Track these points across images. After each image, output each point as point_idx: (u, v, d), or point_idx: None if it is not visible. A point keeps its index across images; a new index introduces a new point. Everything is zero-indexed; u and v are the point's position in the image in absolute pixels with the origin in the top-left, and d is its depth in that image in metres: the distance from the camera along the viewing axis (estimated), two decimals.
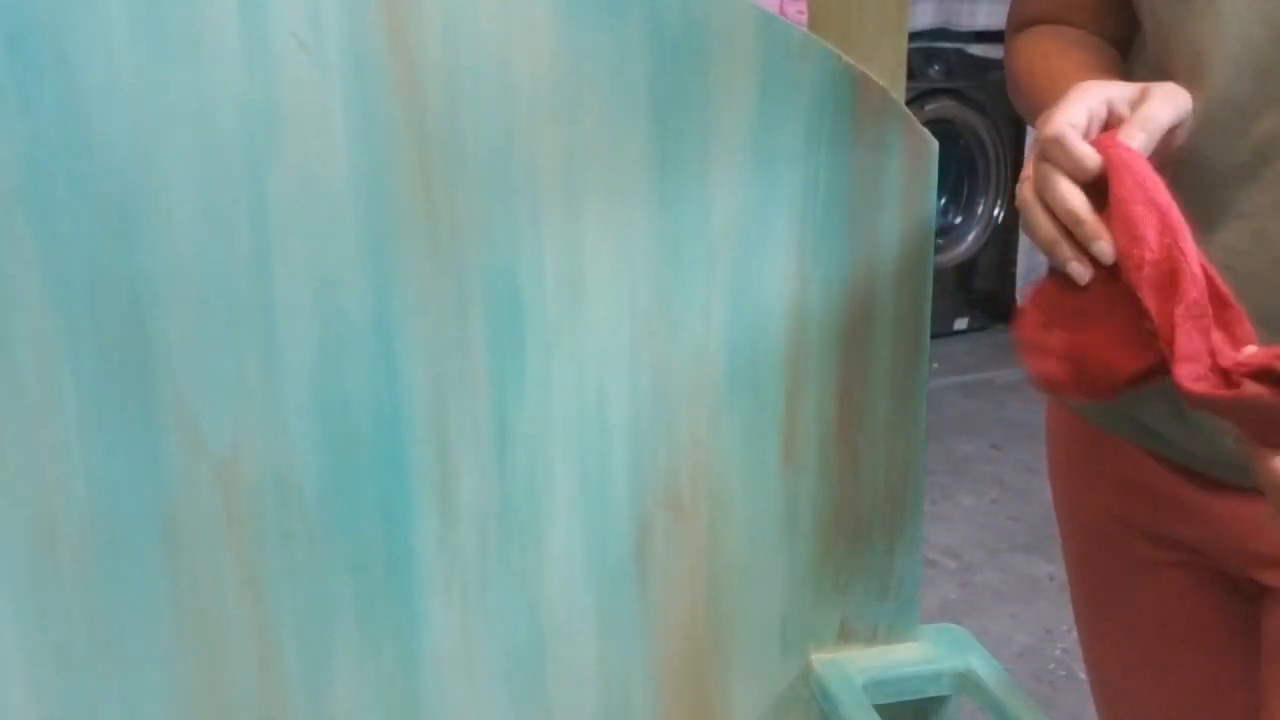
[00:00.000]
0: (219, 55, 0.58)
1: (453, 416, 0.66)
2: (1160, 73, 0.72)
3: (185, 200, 0.59)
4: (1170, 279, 0.57)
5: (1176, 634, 0.85)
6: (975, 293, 3.90)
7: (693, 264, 0.67)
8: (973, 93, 3.57)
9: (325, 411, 0.64)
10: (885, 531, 0.75)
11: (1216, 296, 0.57)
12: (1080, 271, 0.59)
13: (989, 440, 3.09)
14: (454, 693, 0.70)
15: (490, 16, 0.61)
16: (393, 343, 0.64)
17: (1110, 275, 0.60)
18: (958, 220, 3.79)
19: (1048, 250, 0.60)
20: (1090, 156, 0.58)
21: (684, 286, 0.68)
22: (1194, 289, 0.57)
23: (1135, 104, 0.60)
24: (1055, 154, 0.59)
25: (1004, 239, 3.80)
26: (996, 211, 3.77)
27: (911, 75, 3.06)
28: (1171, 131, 0.61)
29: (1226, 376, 0.57)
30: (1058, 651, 2.13)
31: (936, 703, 0.78)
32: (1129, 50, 0.80)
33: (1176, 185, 0.58)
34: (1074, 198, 0.58)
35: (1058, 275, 0.62)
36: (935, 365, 3.46)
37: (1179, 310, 0.57)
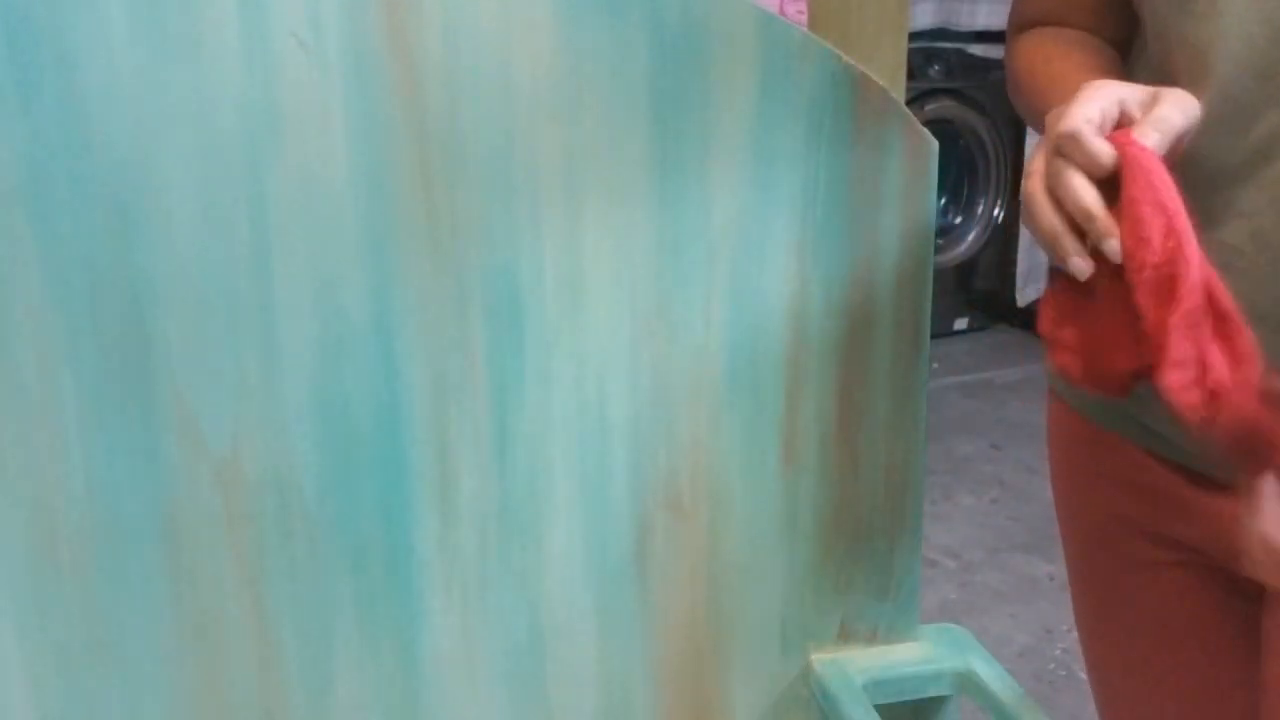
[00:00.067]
0: (219, 55, 0.58)
1: (453, 416, 0.66)
2: (1161, 73, 0.72)
3: (185, 200, 0.59)
4: (1169, 284, 0.57)
5: (1177, 634, 0.85)
6: (975, 293, 3.90)
7: (693, 264, 0.67)
8: (973, 93, 3.57)
9: (325, 411, 0.64)
10: (885, 531, 0.75)
11: (1217, 309, 0.57)
12: (1081, 267, 0.59)
13: (989, 440, 3.09)
14: (454, 693, 0.70)
15: (490, 16, 0.61)
16: (393, 343, 0.64)
17: (1115, 273, 0.60)
18: (958, 220, 3.79)
19: (1048, 244, 0.60)
20: (1106, 153, 0.58)
21: (684, 286, 0.68)
22: (1192, 297, 0.57)
23: (1147, 106, 0.60)
24: (1070, 149, 0.59)
25: (1004, 239, 3.80)
26: (996, 211, 3.77)
27: (911, 75, 3.06)
28: (1179, 137, 0.61)
29: (1212, 394, 0.57)
30: (1058, 651, 2.13)
31: (936, 703, 0.78)
32: (1129, 51, 0.80)
33: (1176, 184, 0.58)
34: (1087, 193, 0.58)
35: (1065, 272, 0.62)
36: (935, 365, 3.46)
37: (1174, 317, 0.57)
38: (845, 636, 0.77)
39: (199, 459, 0.63)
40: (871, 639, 0.77)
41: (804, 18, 1.69)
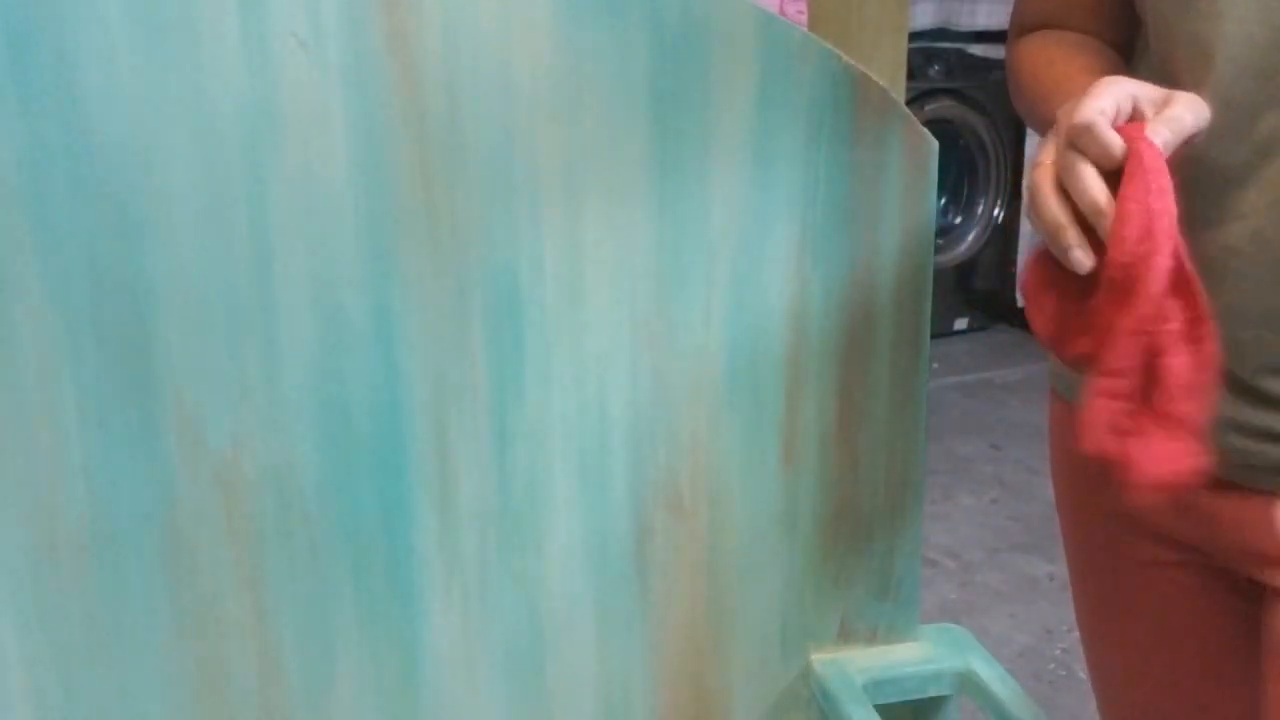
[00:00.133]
0: (219, 55, 0.58)
1: (453, 416, 0.66)
2: (1163, 74, 0.72)
3: (185, 200, 0.59)
4: (1130, 287, 0.57)
5: (1177, 633, 0.85)
6: (975, 293, 3.90)
7: (693, 264, 0.67)
8: (973, 93, 3.57)
9: (325, 411, 0.64)
10: (885, 531, 0.75)
11: (1190, 316, 0.57)
12: (1081, 260, 0.59)
13: (989, 440, 3.09)
14: (454, 692, 0.70)
15: (490, 16, 0.61)
16: (393, 343, 0.64)
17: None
18: (958, 220, 3.79)
19: (1050, 235, 0.60)
20: (1117, 144, 0.58)
21: (684, 286, 0.68)
22: (1147, 305, 0.56)
23: (1159, 104, 0.60)
24: (1083, 141, 0.58)
25: (1004, 239, 3.80)
26: (996, 211, 3.77)
27: (911, 75, 3.06)
28: (1189, 138, 0.61)
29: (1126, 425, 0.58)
30: (1058, 651, 2.13)
31: (936, 703, 0.78)
32: (1131, 54, 0.80)
33: (1176, 184, 0.58)
34: (1098, 189, 0.58)
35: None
36: (935, 365, 3.46)
37: (1124, 321, 0.57)
38: (845, 636, 0.77)
39: (199, 459, 0.63)
40: (871, 639, 0.77)
41: (804, 18, 1.69)
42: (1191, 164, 0.67)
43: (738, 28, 0.64)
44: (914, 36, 2.57)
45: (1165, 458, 0.58)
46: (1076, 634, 0.94)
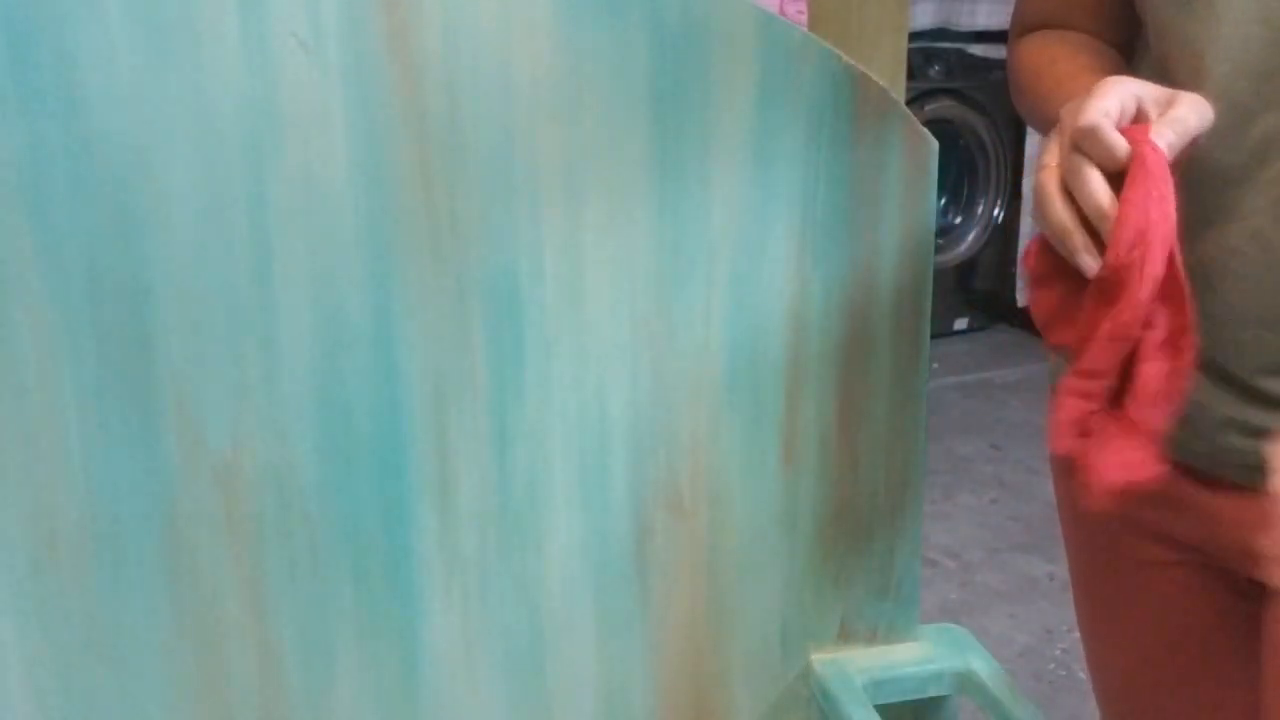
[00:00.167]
0: (219, 55, 0.58)
1: (453, 416, 0.66)
2: (1162, 74, 0.72)
3: (185, 200, 0.59)
4: (1115, 290, 0.57)
5: (1178, 633, 0.85)
6: (975, 293, 3.89)
7: (693, 264, 0.67)
8: (973, 93, 3.56)
9: (325, 411, 0.64)
10: (885, 531, 0.75)
11: (1173, 327, 0.57)
12: (1089, 264, 0.59)
13: (989, 440, 3.09)
14: (454, 693, 0.70)
15: (490, 16, 0.61)
16: (393, 343, 0.64)
17: None
18: (958, 220, 3.79)
19: (1058, 239, 0.60)
20: (1122, 147, 0.58)
21: (684, 286, 0.68)
22: (1132, 310, 0.56)
23: (1163, 105, 0.60)
24: (1088, 144, 0.58)
25: (1004, 239, 3.80)
26: (996, 211, 3.77)
27: (911, 75, 3.06)
28: (1193, 140, 0.61)
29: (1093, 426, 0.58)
30: (1058, 651, 2.13)
31: (936, 703, 0.78)
32: (1131, 54, 0.80)
33: (1176, 185, 0.58)
34: (1103, 193, 0.58)
35: None
36: (935, 365, 3.46)
37: (1106, 324, 0.57)
38: (845, 636, 0.77)
39: (199, 459, 0.63)
40: (871, 639, 0.77)
41: (804, 18, 1.69)
42: (1191, 165, 0.67)
43: (738, 28, 0.64)
44: (914, 36, 2.57)
45: (1122, 464, 0.59)
46: (1076, 634, 0.94)
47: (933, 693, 0.76)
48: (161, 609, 0.64)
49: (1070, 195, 0.59)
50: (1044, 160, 0.61)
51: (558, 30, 0.62)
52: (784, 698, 0.77)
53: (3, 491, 0.61)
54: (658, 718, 0.75)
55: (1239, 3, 0.66)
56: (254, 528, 0.65)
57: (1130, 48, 0.80)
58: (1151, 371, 0.58)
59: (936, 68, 3.52)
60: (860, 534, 0.75)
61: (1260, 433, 0.70)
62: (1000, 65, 3.44)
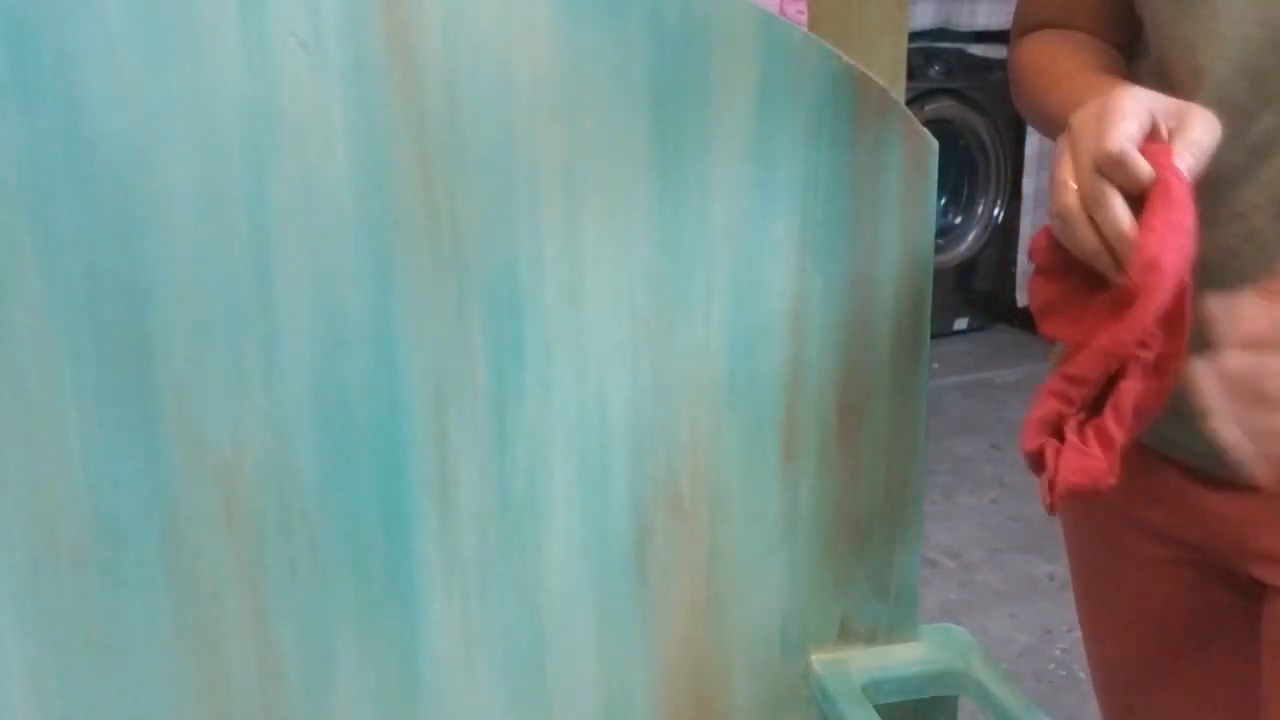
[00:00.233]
0: (219, 55, 0.58)
1: (453, 416, 0.66)
2: (1161, 74, 0.72)
3: (185, 200, 0.59)
4: (1121, 307, 0.58)
5: (1178, 631, 0.85)
6: (975, 293, 3.90)
7: (693, 264, 0.67)
8: (973, 93, 3.57)
9: (325, 411, 0.64)
10: (885, 531, 0.75)
11: (1171, 349, 0.58)
12: (1120, 282, 0.60)
13: (989, 440, 3.09)
14: (454, 693, 0.70)
15: (490, 16, 0.61)
16: (393, 343, 0.64)
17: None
18: (958, 220, 3.79)
19: (1092, 260, 0.60)
20: (1147, 173, 0.58)
21: (684, 286, 0.68)
22: (1130, 332, 0.57)
23: (1173, 117, 0.60)
24: (1113, 170, 0.58)
25: (1004, 239, 3.80)
26: (996, 211, 3.77)
27: (911, 75, 3.06)
28: (1208, 159, 0.61)
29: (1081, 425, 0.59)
30: (1058, 651, 2.13)
31: (936, 703, 0.78)
32: (1132, 55, 0.80)
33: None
34: (1125, 220, 0.58)
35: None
36: (935, 365, 3.46)
37: (1104, 338, 0.58)
38: (845, 636, 0.77)
39: (199, 459, 0.63)
40: (871, 639, 0.77)
41: (804, 18, 1.69)
42: None
43: (738, 28, 0.64)
44: (914, 36, 2.57)
45: (1082, 470, 0.60)
46: (1076, 634, 0.94)
47: (933, 693, 0.76)
48: (161, 609, 0.64)
49: (1095, 220, 0.59)
50: (1063, 178, 0.61)
51: (558, 30, 0.62)
52: (784, 698, 0.77)
53: (3, 491, 0.61)
54: (658, 717, 0.75)
55: (1237, 3, 0.66)
56: (254, 528, 0.65)
57: (1130, 48, 0.80)
58: (1132, 389, 0.59)
59: (936, 68, 3.52)
60: (860, 534, 0.75)
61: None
62: (1000, 65, 3.44)
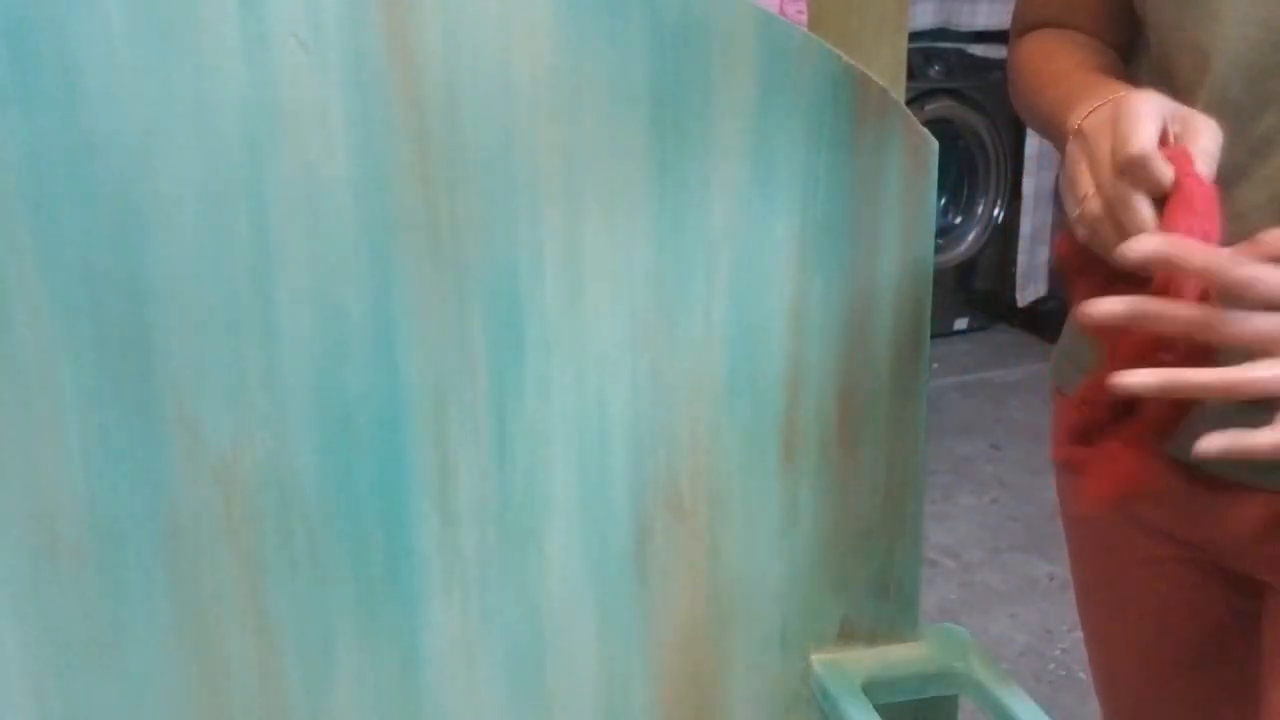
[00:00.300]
0: (219, 55, 0.58)
1: (453, 416, 0.66)
2: (1162, 74, 0.72)
3: (185, 200, 0.59)
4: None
5: (1178, 630, 0.85)
6: (975, 293, 3.90)
7: (693, 264, 0.67)
8: (973, 93, 3.57)
9: (325, 411, 0.64)
10: (885, 531, 0.75)
11: (1193, 352, 0.58)
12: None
13: (989, 440, 3.09)
14: (454, 693, 0.70)
15: (490, 16, 0.61)
16: (393, 343, 0.64)
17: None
18: (958, 220, 3.79)
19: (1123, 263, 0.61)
20: (1169, 177, 0.58)
21: (684, 286, 0.68)
22: (1151, 335, 0.57)
23: (1177, 123, 0.60)
24: (1137, 173, 0.58)
25: (1004, 239, 3.80)
26: (996, 211, 3.77)
27: (911, 75, 3.05)
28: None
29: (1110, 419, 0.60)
30: (1058, 651, 2.13)
31: (936, 703, 0.78)
32: (1132, 55, 0.80)
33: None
34: (1151, 222, 0.58)
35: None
36: (935, 365, 3.46)
37: (1127, 340, 0.58)
38: (845, 636, 0.77)
39: (199, 459, 0.63)
40: (871, 639, 0.77)
41: (804, 18, 1.69)
42: None
43: (738, 28, 0.64)
44: (914, 36, 2.57)
45: (1118, 474, 0.60)
46: (1076, 634, 0.94)
47: (933, 693, 0.76)
48: (161, 609, 0.64)
49: (1119, 223, 0.60)
50: (1083, 187, 0.61)
51: (558, 30, 0.62)
52: (784, 698, 0.77)
53: (3, 492, 0.61)
54: (658, 717, 0.75)
55: (1238, 4, 0.66)
56: (254, 528, 0.65)
57: (1131, 48, 0.80)
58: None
59: (936, 68, 3.52)
60: (860, 534, 0.75)
61: None
62: (1000, 65, 3.44)
